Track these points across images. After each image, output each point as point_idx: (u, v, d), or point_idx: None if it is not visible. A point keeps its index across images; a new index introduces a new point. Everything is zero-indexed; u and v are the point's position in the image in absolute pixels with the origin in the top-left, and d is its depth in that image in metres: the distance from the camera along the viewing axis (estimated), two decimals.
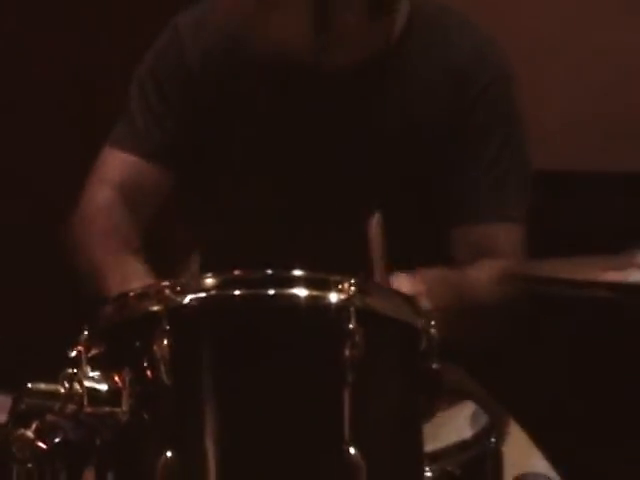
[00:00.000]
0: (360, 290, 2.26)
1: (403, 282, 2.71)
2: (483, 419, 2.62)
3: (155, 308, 2.25)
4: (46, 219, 3.77)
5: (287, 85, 3.19)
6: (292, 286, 2.27)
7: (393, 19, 3.17)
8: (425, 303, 2.61)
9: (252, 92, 3.21)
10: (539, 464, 2.91)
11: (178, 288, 2.27)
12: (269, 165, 3.24)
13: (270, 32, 3.12)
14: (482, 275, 3.01)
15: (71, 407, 2.24)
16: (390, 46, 3.17)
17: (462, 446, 2.54)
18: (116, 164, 3.25)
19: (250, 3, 3.13)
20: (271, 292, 2.26)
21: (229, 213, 3.27)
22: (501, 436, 2.71)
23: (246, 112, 3.23)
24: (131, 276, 3.09)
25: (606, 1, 4.27)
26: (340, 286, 2.26)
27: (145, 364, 2.23)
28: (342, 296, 2.25)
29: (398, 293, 2.44)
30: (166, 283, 2.27)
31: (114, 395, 2.24)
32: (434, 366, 2.34)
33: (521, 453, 2.86)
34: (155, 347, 2.22)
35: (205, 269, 2.50)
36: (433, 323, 2.36)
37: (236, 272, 2.28)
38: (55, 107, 4.72)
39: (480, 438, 2.57)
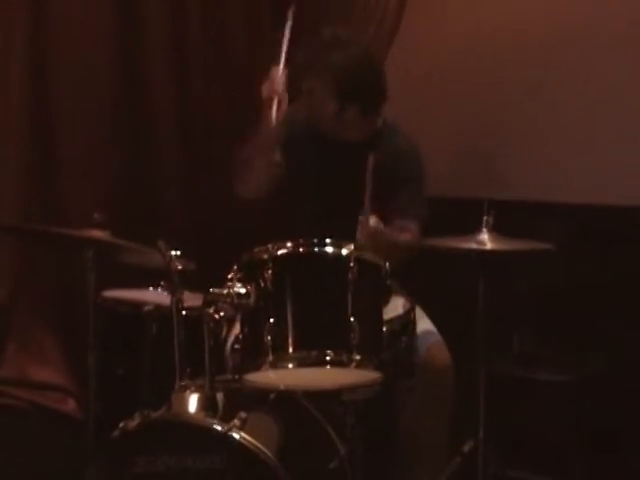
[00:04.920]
0: (356, 248, 2.67)
1: (375, 219, 2.97)
2: (408, 305, 2.88)
3: (265, 256, 2.65)
4: None
5: (324, 145, 3.37)
6: (325, 247, 2.67)
7: (375, 119, 3.36)
8: (384, 235, 2.94)
9: (310, 147, 3.39)
10: (427, 324, 3.21)
11: (276, 247, 2.65)
12: (314, 186, 3.40)
13: (313, 115, 3.32)
14: (404, 237, 3.22)
15: (229, 299, 2.62)
16: (375, 131, 3.37)
17: (399, 317, 2.82)
18: None
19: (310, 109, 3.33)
20: (316, 250, 2.68)
21: (299, 213, 3.45)
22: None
23: (306, 157, 3.40)
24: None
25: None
26: (347, 246, 2.66)
27: (260, 281, 2.64)
28: (347, 251, 2.66)
29: (373, 251, 2.73)
30: (270, 245, 2.65)
31: (247, 295, 2.63)
32: (388, 282, 2.73)
33: (420, 319, 3.04)
34: (265, 274, 2.64)
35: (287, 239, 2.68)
36: (387, 264, 2.73)
37: (300, 240, 2.67)
38: None
39: (407, 314, 2.86)
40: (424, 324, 3.19)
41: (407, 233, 3.28)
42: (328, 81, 3.23)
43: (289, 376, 2.62)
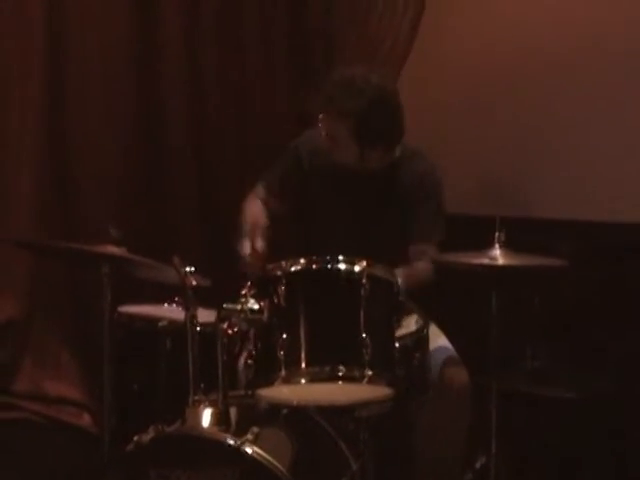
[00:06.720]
0: (368, 265, 2.69)
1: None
2: (421, 321, 2.89)
3: (278, 273, 2.69)
4: None
5: (346, 178, 3.34)
6: (338, 263, 2.70)
7: (394, 151, 3.31)
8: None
9: (330, 181, 3.37)
10: (442, 340, 3.22)
11: (289, 264, 2.69)
12: (336, 214, 3.36)
13: (336, 157, 3.30)
14: (420, 266, 3.21)
15: (242, 315, 2.65)
16: (393, 162, 3.34)
17: (411, 333, 2.83)
18: (260, 193, 3.43)
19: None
20: (329, 266, 2.70)
21: (315, 235, 3.41)
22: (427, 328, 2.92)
23: (327, 189, 3.38)
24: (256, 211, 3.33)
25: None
26: (360, 263, 2.68)
27: (274, 296, 2.68)
28: (360, 268, 2.68)
29: (386, 267, 2.75)
30: (284, 262, 2.69)
31: (260, 310, 2.67)
32: (400, 298, 2.76)
33: (434, 336, 3.08)
34: (278, 289, 2.67)
35: (301, 256, 2.71)
36: (400, 280, 2.75)
37: (314, 257, 2.70)
38: None
39: (419, 330, 2.87)
40: (439, 340, 3.18)
41: (424, 260, 3.25)
42: (348, 127, 3.20)
43: (302, 391, 2.64)
